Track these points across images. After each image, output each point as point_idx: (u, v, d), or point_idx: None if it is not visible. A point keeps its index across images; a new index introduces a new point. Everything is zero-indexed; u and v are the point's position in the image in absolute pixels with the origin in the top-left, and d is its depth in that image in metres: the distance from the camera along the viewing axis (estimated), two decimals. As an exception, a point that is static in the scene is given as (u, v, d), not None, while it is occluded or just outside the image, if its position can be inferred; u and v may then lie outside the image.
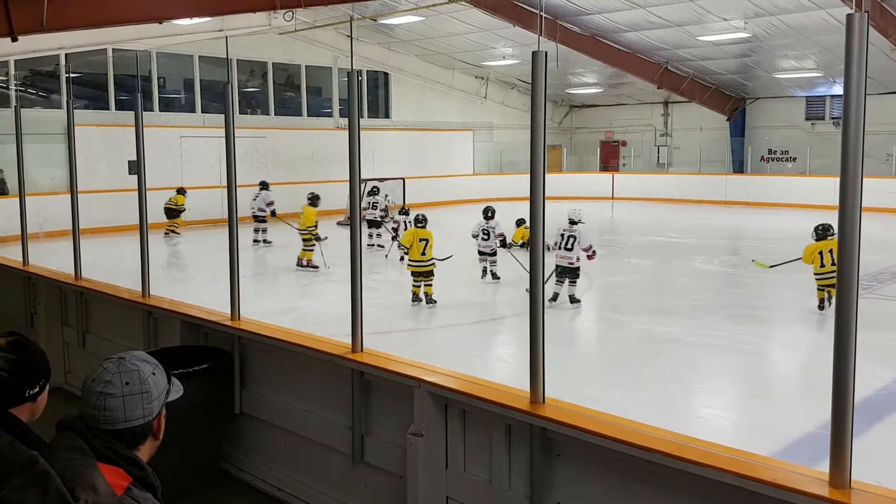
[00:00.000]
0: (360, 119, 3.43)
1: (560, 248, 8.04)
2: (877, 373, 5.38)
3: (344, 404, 3.37)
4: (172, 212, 14.68)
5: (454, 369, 3.16)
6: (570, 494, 2.62)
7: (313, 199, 11.18)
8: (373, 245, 12.64)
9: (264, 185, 13.73)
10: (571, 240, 8.04)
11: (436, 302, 8.06)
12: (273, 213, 13.00)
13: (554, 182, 18.29)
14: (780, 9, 17.01)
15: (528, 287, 2.71)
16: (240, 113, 18.89)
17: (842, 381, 2.17)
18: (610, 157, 27.09)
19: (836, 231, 2.25)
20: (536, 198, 2.68)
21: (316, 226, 10.66)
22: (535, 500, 2.66)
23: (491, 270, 9.40)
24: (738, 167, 24.33)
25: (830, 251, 7.17)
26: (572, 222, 8.23)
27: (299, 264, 10.62)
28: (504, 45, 20.48)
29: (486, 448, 2.83)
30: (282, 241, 12.63)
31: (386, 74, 22.21)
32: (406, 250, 8.49)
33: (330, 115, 21.04)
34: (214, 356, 3.91)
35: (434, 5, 15.30)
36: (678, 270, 10.75)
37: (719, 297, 8.91)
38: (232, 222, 4.07)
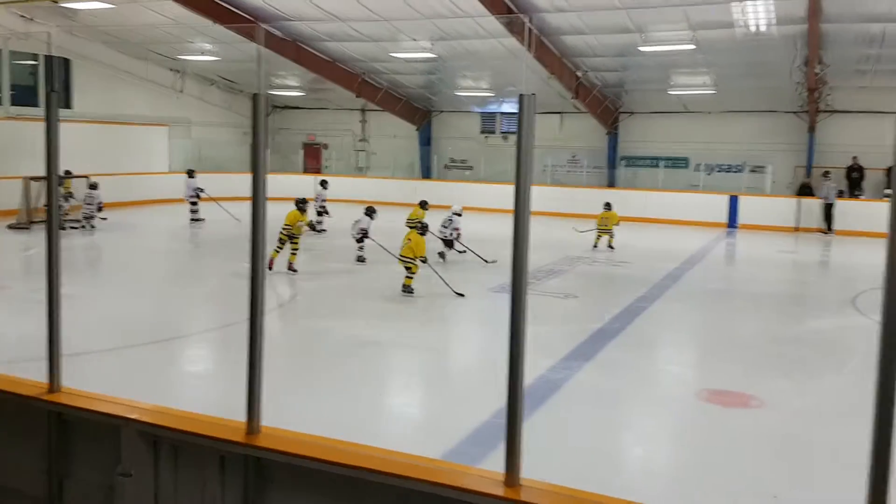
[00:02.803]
0: (34, 107, 3.12)
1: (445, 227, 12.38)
2: (537, 362, 6.22)
3: (39, 446, 3.07)
4: None
5: (167, 394, 3.05)
6: (284, 519, 2.71)
7: None
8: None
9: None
10: (450, 222, 12.47)
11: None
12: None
13: (256, 183, 17.91)
14: (460, 34, 18.64)
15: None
16: None
17: (514, 386, 2.50)
18: (313, 159, 27.34)
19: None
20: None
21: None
22: (249, 527, 2.71)
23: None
24: (426, 173, 26.16)
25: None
26: (456, 213, 12.61)
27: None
28: (203, 41, 19.58)
29: (198, 484, 2.79)
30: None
31: (67, 60, 19.87)
32: None
33: (-1, 102, 18.24)
34: None
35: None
36: (379, 274, 11.28)
37: (413, 301, 9.53)
38: None
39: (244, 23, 17.25)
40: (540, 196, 20.94)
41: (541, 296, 9.55)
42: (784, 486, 4.10)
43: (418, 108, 26.50)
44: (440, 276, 9.72)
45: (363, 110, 27.16)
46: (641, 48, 18.11)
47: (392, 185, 24.69)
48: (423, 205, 14.52)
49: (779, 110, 21.90)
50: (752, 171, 22.51)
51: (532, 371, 5.93)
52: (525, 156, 2.57)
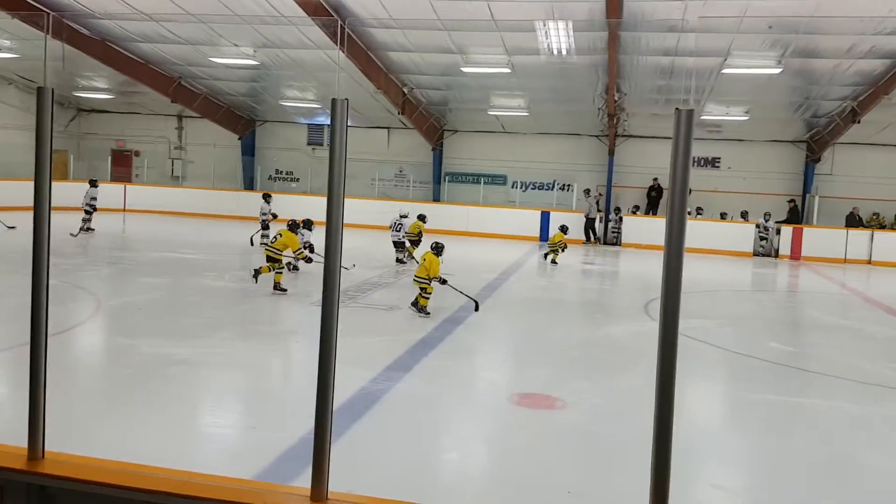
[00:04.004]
0: None
1: (393, 230, 14.28)
2: (358, 374, 6.20)
3: None
4: None
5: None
6: (71, 551, 2.47)
7: None
8: None
9: None
10: (400, 226, 14.27)
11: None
12: None
13: (60, 190, 16.42)
14: (285, 43, 18.29)
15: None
16: None
17: (322, 397, 2.47)
18: (122, 167, 25.51)
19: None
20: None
21: None
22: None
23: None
24: (249, 184, 25.33)
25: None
26: (402, 216, 14.41)
27: None
28: (1, 37, 17.69)
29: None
30: None
31: None
32: None
33: None
34: None
35: None
36: (191, 288, 10.73)
37: (229, 314, 9.17)
38: None
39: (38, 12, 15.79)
40: (368, 210, 21.16)
41: (365, 308, 9.55)
42: (583, 481, 4.38)
43: (241, 117, 25.65)
44: (457, 289, 9.59)
45: (180, 116, 25.83)
46: (463, 69, 18.79)
47: (211, 195, 23.63)
48: (423, 218, 14.97)
49: (583, 133, 23.65)
50: (561, 188, 24.12)
51: (352, 384, 5.90)
52: (337, 163, 2.56)
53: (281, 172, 25.99)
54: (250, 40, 18.30)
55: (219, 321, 8.59)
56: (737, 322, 10.40)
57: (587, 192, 22.23)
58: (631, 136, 22.77)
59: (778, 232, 20.65)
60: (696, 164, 23.10)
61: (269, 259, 10.44)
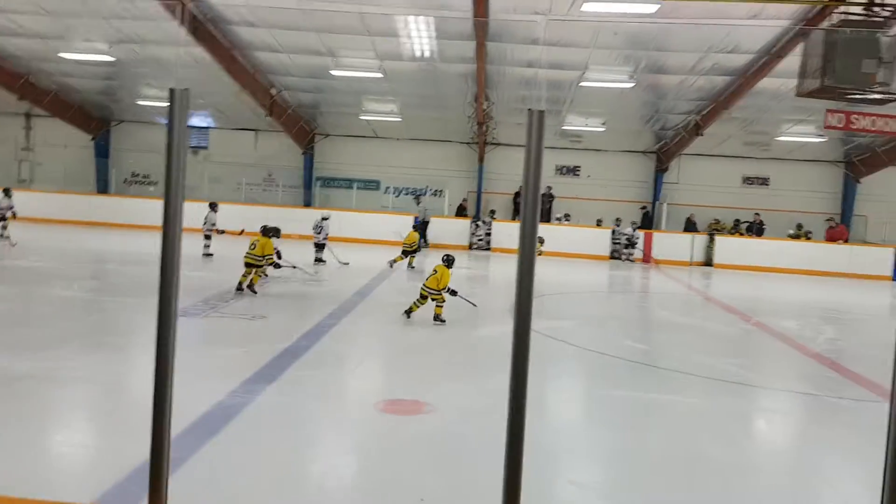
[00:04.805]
0: None
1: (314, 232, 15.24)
2: (215, 387, 5.85)
3: None
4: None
5: None
6: None
7: None
8: None
9: None
10: (320, 228, 15.36)
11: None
12: None
13: None
14: (141, 38, 17.27)
15: None
16: None
17: (159, 414, 2.25)
18: (-43, 168, 23.19)
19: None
20: None
21: None
22: None
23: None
24: (104, 187, 23.75)
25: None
26: (324, 218, 15.50)
27: None
28: None
29: None
30: None
31: None
32: None
33: None
34: None
35: None
36: (39, 299, 9.83)
37: (79, 325, 8.46)
38: None
39: None
40: (234, 215, 20.28)
41: (227, 318, 9.10)
42: (443, 485, 4.32)
43: (95, 116, 23.97)
44: (463, 297, 9.84)
45: (28, 115, 23.81)
46: (333, 72, 18.50)
47: (61, 199, 21.92)
48: (421, 228, 15.19)
49: (454, 140, 23.98)
50: (434, 194, 24.32)
51: (208, 398, 5.55)
52: (175, 159, 2.34)
53: (138, 175, 24.51)
54: (104, 35, 17.13)
55: (67, 333, 7.89)
56: (595, 322, 10.81)
57: (417, 198, 22.53)
58: (499, 143, 23.31)
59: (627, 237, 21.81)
60: (558, 172, 23.99)
61: (249, 265, 10.90)
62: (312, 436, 5.17)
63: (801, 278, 19.83)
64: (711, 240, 21.84)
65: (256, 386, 6.06)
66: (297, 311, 10.34)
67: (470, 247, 21.84)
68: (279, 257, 11.69)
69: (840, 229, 22.38)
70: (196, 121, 24.10)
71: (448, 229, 21.79)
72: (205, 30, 16.44)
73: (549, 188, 23.17)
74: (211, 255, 15.42)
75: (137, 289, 10.64)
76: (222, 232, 15.46)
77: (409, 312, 9.55)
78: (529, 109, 1.98)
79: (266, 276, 11.84)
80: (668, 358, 8.69)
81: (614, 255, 21.57)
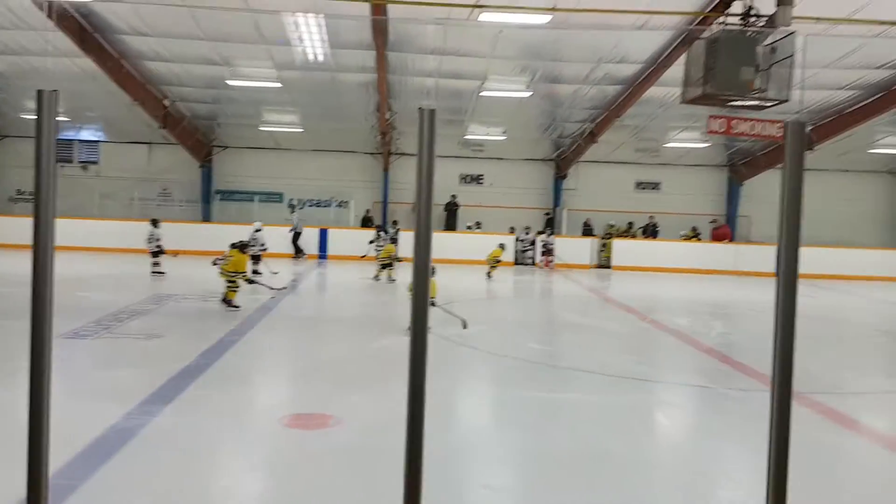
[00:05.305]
0: None
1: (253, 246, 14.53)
2: (108, 411, 5.51)
3: None
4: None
5: None
6: None
7: None
8: None
9: None
10: (254, 240, 15.11)
11: None
12: None
13: None
14: (26, 50, 16.31)
15: None
16: None
17: (35, 441, 2.07)
18: None
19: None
20: None
21: None
22: None
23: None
24: (-15, 206, 22.18)
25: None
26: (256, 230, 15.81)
27: None
28: None
29: None
30: None
31: None
32: None
33: None
34: None
35: None
36: None
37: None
38: None
39: None
40: (126, 232, 19.30)
41: (122, 339, 8.62)
42: (348, 499, 4.22)
43: (-28, 131, 22.40)
44: (447, 311, 9.93)
45: None
46: (229, 82, 18.00)
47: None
48: (395, 240, 14.98)
49: (358, 150, 23.81)
50: (339, 205, 24.03)
51: (100, 422, 5.22)
52: (46, 168, 2.15)
53: (24, 193, 22.99)
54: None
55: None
56: (501, 326, 10.93)
57: (292, 207, 22.13)
58: (404, 153, 23.30)
59: (532, 243, 22.27)
60: (462, 180, 24.23)
61: (230, 282, 10.99)
62: (214, 454, 4.94)
63: (692, 277, 20.84)
64: (604, 246, 22.57)
65: (153, 407, 5.74)
66: (197, 328, 9.93)
67: (376, 258, 21.66)
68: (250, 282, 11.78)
69: (723, 229, 23.74)
70: (86, 135, 22.86)
71: (354, 240, 21.43)
72: (93, 40, 15.63)
73: (454, 197, 23.36)
74: (163, 273, 15.08)
75: (20, 311, 9.93)
76: (166, 253, 15.33)
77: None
78: (420, 108, 1.95)
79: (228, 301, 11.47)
80: (571, 358, 8.88)
81: (519, 262, 21.94)
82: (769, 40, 11.81)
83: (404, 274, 17.09)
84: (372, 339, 9.43)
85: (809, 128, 19.98)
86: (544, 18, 13.50)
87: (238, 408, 6.11)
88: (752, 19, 11.86)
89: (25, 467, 2.00)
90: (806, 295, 15.32)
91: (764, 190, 23.68)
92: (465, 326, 9.70)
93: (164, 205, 23.51)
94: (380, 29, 14.53)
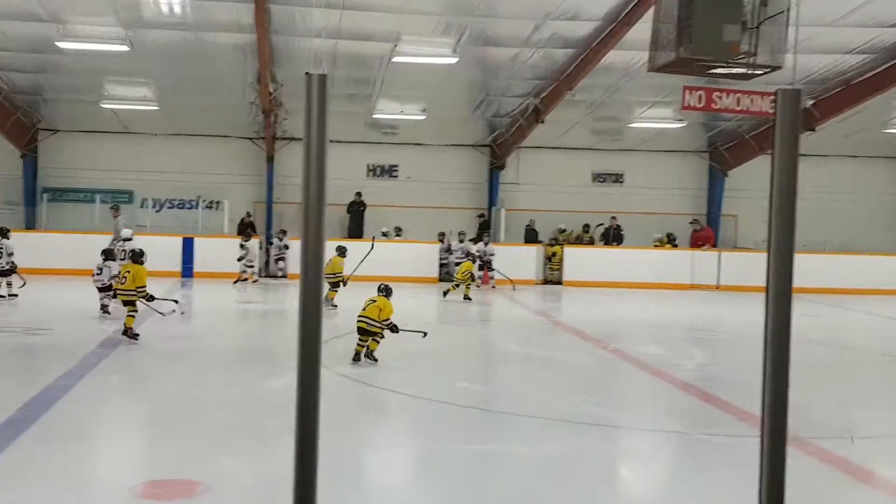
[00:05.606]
0: None
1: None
2: None
3: None
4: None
5: None
6: None
7: None
8: None
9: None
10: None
11: None
12: None
13: None
14: None
15: None
16: None
17: None
18: None
19: None
20: None
21: None
22: None
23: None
24: None
25: None
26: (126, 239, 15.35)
27: None
28: None
29: None
30: None
31: None
32: None
33: None
34: None
35: None
36: None
37: None
38: None
39: None
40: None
41: None
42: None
43: None
44: (410, 330, 10.31)
45: None
46: (60, 44, 17.58)
47: None
48: (342, 252, 15.39)
49: (234, 135, 23.54)
50: (208, 207, 23.61)
51: None
52: None
53: None
54: None
55: None
56: (423, 360, 11.04)
57: (115, 208, 21.19)
58: (293, 138, 23.13)
59: (467, 254, 22.43)
60: (370, 172, 24.26)
61: (125, 303, 11.26)
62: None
63: (665, 293, 21.39)
64: (552, 255, 22.86)
65: (-45, 479, 5.59)
66: (17, 372, 9.68)
67: (260, 272, 21.47)
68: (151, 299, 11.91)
69: (706, 232, 24.39)
70: None
71: (229, 250, 21.03)
72: None
73: (359, 195, 23.26)
74: (15, 295, 15.29)
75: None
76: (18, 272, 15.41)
77: (357, 357, 10.01)
78: (307, 73, 2.00)
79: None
80: (508, 400, 9.06)
81: (444, 278, 21.78)
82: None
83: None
84: (251, 379, 9.37)
85: (810, 102, 20.64)
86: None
87: (75, 473, 6.01)
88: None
89: None
90: (807, 314, 16.00)
91: (754, 182, 23.42)
92: (424, 335, 10.56)
93: (-32, 208, 22.70)
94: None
